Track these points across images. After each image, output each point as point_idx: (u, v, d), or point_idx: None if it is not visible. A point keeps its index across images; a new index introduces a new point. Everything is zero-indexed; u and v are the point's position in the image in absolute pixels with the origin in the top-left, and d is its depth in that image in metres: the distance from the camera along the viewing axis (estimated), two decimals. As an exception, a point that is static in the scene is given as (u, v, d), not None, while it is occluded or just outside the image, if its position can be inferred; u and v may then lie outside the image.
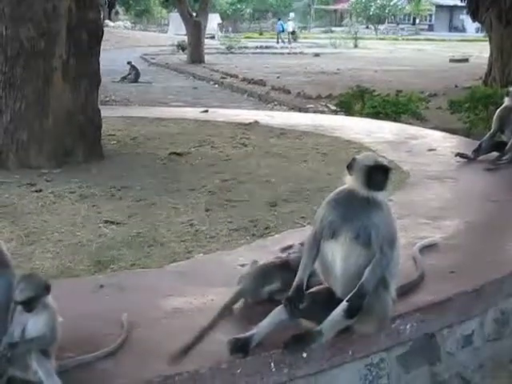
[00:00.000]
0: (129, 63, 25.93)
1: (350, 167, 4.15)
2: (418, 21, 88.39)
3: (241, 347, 3.93)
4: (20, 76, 9.02)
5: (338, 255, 4.08)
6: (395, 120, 13.98)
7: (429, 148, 9.80)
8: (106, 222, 6.74)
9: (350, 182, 4.16)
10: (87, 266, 5.64)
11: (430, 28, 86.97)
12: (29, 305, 3.54)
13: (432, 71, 27.07)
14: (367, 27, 76.33)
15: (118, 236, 6.34)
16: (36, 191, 7.88)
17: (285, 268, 4.56)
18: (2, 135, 9.05)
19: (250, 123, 11.95)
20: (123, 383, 3.66)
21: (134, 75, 25.40)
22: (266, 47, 46.05)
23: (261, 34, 71.22)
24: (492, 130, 8.88)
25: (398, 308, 4.39)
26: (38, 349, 3.56)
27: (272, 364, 4.00)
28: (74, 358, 3.82)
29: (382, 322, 4.25)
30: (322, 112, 16.80)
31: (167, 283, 5.00)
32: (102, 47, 9.82)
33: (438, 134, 11.23)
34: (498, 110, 8.90)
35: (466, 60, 33.26)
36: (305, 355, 4.08)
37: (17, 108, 9.02)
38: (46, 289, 3.61)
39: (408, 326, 4.51)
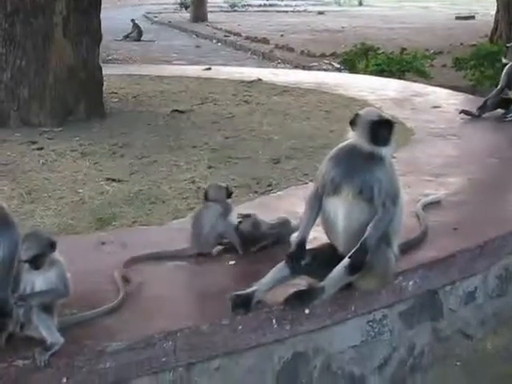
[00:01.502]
0: (132, 21, 25.70)
1: (353, 123, 4.10)
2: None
3: (242, 303, 3.92)
4: (20, 32, 8.93)
5: (341, 211, 4.05)
6: (400, 78, 13.87)
7: (433, 105, 9.72)
8: (108, 179, 6.71)
9: (352, 137, 4.11)
10: (89, 224, 5.62)
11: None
12: (35, 262, 3.53)
13: (437, 29, 26.79)
14: (372, -16, 75.40)
15: (119, 193, 6.32)
16: (37, 149, 7.84)
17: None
18: (2, 93, 8.99)
19: (253, 81, 11.85)
20: (124, 339, 3.65)
21: (136, 33, 25.18)
22: (270, 5, 45.60)
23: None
24: (499, 87, 8.80)
25: (401, 264, 4.37)
26: (52, 301, 3.56)
27: (274, 320, 3.99)
28: (76, 314, 3.82)
29: (385, 279, 4.23)
30: (326, 70, 16.66)
31: (169, 240, 4.98)
32: (104, 5, 9.71)
33: (442, 92, 11.13)
34: (508, 66, 8.78)
35: (472, 17, 32.88)
36: (307, 311, 4.07)
37: (17, 65, 8.95)
38: (52, 245, 3.59)
39: (411, 283, 4.50)
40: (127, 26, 25.72)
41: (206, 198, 4.89)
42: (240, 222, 4.76)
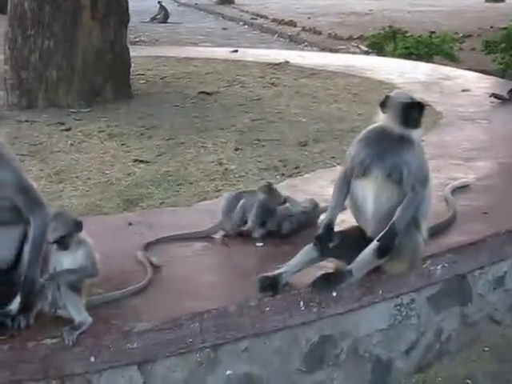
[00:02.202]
0: (159, 3, 25.66)
1: (383, 105, 4.06)
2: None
3: (270, 285, 3.91)
4: (48, 14, 8.93)
5: (369, 194, 4.02)
6: (428, 61, 13.72)
7: (462, 89, 9.62)
8: (135, 160, 6.72)
9: (382, 119, 4.07)
10: (116, 204, 5.64)
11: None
12: (62, 243, 3.54)
13: (467, 12, 26.49)
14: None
15: (146, 175, 6.32)
16: (65, 130, 7.87)
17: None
18: (31, 74, 9.01)
19: (280, 63, 11.80)
20: (151, 320, 3.65)
21: (163, 15, 25.15)
22: (298, -13, 45.30)
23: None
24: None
25: (430, 248, 4.34)
26: (80, 281, 3.58)
27: (301, 302, 3.98)
28: (103, 294, 3.83)
29: (413, 262, 4.20)
30: (354, 53, 16.54)
31: (196, 221, 4.97)
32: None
33: (471, 75, 11.01)
34: None
35: (503, 0, 32.49)
36: (334, 294, 4.05)
37: (45, 47, 8.97)
38: (77, 226, 3.60)
39: (439, 267, 4.46)
40: (154, 9, 25.68)
41: None
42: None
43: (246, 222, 4.71)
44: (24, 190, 3.63)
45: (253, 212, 4.67)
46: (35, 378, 3.49)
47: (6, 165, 3.60)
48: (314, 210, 4.84)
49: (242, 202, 4.71)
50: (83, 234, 3.65)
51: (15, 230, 3.64)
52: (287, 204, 4.80)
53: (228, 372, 3.89)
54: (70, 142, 7.42)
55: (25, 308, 3.54)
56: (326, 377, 4.19)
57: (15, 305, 3.54)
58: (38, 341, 3.46)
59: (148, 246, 4.46)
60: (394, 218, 3.94)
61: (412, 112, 3.98)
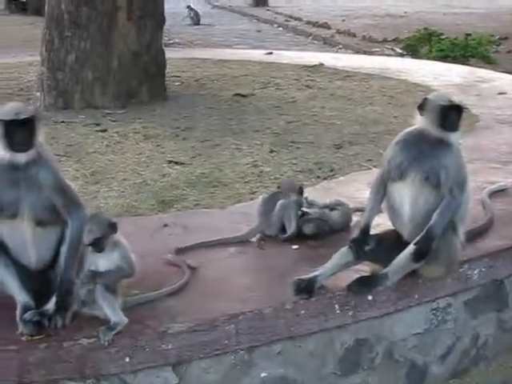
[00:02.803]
0: (188, 7, 25.71)
1: (421, 107, 4.03)
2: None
3: (305, 288, 3.90)
4: (85, 15, 8.99)
5: (406, 197, 3.99)
6: (463, 64, 13.61)
7: (499, 91, 9.51)
8: (170, 162, 6.74)
9: (420, 122, 4.04)
10: (151, 205, 5.66)
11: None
12: (98, 245, 3.56)
13: (503, 13, 26.25)
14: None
15: (181, 176, 6.34)
16: (101, 131, 7.91)
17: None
18: (67, 75, 9.07)
19: (315, 65, 11.76)
20: (187, 321, 3.66)
21: (193, 18, 25.16)
22: (332, -11, 45.21)
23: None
24: None
25: (467, 252, 4.30)
26: (116, 281, 3.60)
27: (336, 306, 3.96)
28: (139, 295, 3.84)
29: (450, 267, 4.16)
30: (388, 55, 16.45)
31: (231, 224, 4.97)
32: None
33: (508, 78, 10.87)
34: None
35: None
36: (370, 298, 4.02)
37: (82, 47, 9.02)
38: (113, 227, 3.61)
39: (476, 272, 4.41)
40: (185, 11, 25.73)
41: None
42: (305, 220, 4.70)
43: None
44: (63, 191, 3.65)
45: (290, 214, 4.66)
46: (71, 378, 3.51)
47: (46, 166, 3.63)
48: (344, 212, 4.81)
49: (280, 202, 4.69)
50: (119, 235, 3.66)
51: (53, 231, 3.67)
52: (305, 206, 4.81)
53: (262, 374, 3.88)
54: (105, 142, 7.45)
55: (61, 308, 3.56)
56: (360, 380, 4.16)
57: (52, 305, 3.56)
58: (74, 340, 3.48)
59: (183, 250, 4.46)
60: (432, 222, 3.90)
61: (451, 115, 3.95)
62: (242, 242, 4.65)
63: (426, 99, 4.04)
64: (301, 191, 4.86)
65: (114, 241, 3.62)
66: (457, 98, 4.11)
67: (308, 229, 4.64)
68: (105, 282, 3.54)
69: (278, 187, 4.91)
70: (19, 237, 3.62)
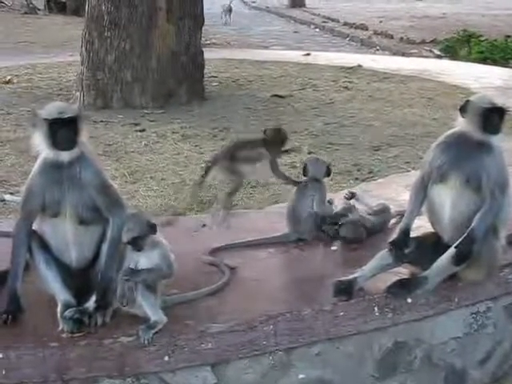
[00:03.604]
0: (225, 6, 25.76)
1: (463, 109, 3.99)
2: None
3: (344, 290, 3.88)
4: (125, 16, 9.07)
5: (447, 200, 3.96)
6: (504, 66, 13.49)
7: (540, 94, 9.40)
8: (209, 162, 6.73)
9: (462, 124, 4.01)
10: (190, 205, 5.67)
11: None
12: (136, 244, 3.57)
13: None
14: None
15: (219, 176, 6.33)
16: (139, 131, 7.97)
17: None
18: (106, 75, 9.16)
19: (353, 67, 11.75)
20: (226, 321, 3.66)
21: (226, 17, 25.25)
22: (369, -9, 45.01)
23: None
24: None
25: (508, 256, 4.25)
26: (155, 280, 3.60)
27: (376, 308, 3.94)
28: (178, 294, 3.85)
29: (491, 270, 4.12)
30: (426, 57, 16.35)
31: (269, 224, 4.97)
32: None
33: (550, 80, 10.77)
34: None
35: None
36: (409, 301, 3.99)
37: (121, 48, 9.11)
38: (152, 227, 3.61)
39: (517, 276, 4.36)
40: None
41: (305, 173, 4.76)
42: (340, 226, 4.67)
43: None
44: (105, 191, 3.68)
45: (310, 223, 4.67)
46: (110, 375, 3.53)
47: (89, 165, 3.66)
48: (386, 215, 4.79)
49: (306, 207, 4.68)
50: (159, 236, 3.67)
51: (95, 230, 3.69)
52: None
53: (300, 376, 3.87)
54: (144, 142, 7.51)
55: (101, 306, 3.58)
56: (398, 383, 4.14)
57: (92, 303, 3.59)
58: (114, 338, 3.50)
59: (218, 250, 4.46)
60: (473, 225, 3.87)
61: (493, 117, 3.92)
62: (280, 242, 4.64)
63: (467, 101, 4.01)
64: (329, 172, 4.79)
65: (154, 240, 3.63)
66: (498, 101, 4.07)
67: (344, 232, 4.61)
68: (144, 281, 3.56)
69: (304, 172, 4.75)
70: (61, 235, 3.65)
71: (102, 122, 8.34)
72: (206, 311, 3.78)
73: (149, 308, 3.56)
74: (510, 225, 4.22)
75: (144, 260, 3.60)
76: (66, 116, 3.57)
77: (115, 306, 3.64)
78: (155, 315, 3.55)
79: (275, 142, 4.71)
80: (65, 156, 3.59)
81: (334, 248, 4.55)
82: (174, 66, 9.25)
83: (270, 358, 3.79)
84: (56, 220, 3.63)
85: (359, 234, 4.64)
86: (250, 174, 5.00)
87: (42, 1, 27.17)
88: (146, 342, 3.49)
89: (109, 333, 3.53)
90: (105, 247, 3.66)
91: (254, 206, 5.61)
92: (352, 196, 4.89)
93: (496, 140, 3.95)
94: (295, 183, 4.83)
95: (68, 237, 3.64)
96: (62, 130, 3.56)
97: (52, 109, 3.62)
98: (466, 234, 3.87)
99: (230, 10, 25.58)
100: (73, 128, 3.59)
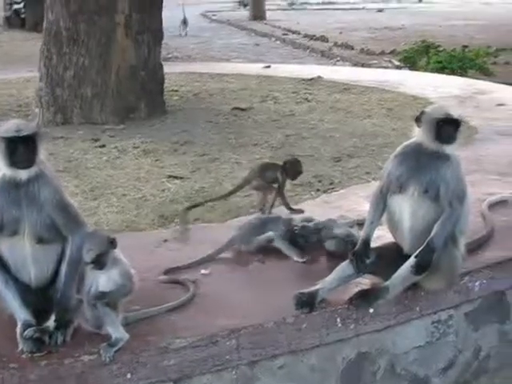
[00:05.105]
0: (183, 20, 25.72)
1: (418, 120, 4.04)
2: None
3: (306, 302, 3.90)
4: (83, 32, 9.03)
5: (406, 210, 4.00)
6: (461, 75, 13.66)
7: (497, 103, 9.53)
8: (170, 176, 6.75)
9: (418, 135, 4.05)
10: (151, 221, 5.67)
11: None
12: (98, 263, 3.56)
13: (501, 25, 26.33)
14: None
15: (181, 191, 6.35)
16: (100, 146, 7.93)
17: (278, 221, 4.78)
18: (66, 91, 9.10)
19: (313, 78, 11.80)
20: (188, 336, 3.65)
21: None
22: (329, 3, 45.36)
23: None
24: None
25: (467, 264, 4.30)
26: (118, 299, 3.59)
27: (338, 319, 3.96)
28: (140, 310, 3.83)
29: (451, 279, 4.17)
30: (386, 68, 16.51)
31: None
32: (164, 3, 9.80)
33: (507, 89, 10.90)
34: None
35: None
36: (371, 311, 4.02)
37: (80, 64, 9.06)
38: (111, 243, 3.61)
39: (477, 283, 4.41)
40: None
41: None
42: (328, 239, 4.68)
43: None
44: (64, 209, 3.65)
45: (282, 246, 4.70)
46: (72, 395, 3.50)
47: (47, 183, 3.63)
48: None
49: (268, 234, 4.72)
50: (118, 252, 3.65)
51: (53, 249, 3.66)
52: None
53: (264, 389, 3.87)
54: (104, 158, 7.47)
55: (61, 325, 3.56)
56: (362, 394, 4.15)
57: (52, 321, 3.56)
58: (75, 357, 3.47)
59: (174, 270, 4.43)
60: (432, 234, 3.91)
61: (446, 128, 3.95)
62: (235, 255, 4.68)
63: (422, 112, 4.06)
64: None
65: (114, 257, 3.62)
66: (455, 110, 4.12)
67: (332, 246, 4.61)
68: (106, 299, 3.53)
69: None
70: (19, 254, 3.61)
71: (61, 138, 8.28)
72: (168, 327, 3.77)
73: (110, 325, 3.54)
74: (469, 233, 4.28)
75: (105, 278, 3.58)
76: (23, 134, 3.54)
77: (76, 324, 3.61)
78: (116, 332, 3.53)
79: (292, 171, 5.44)
80: (23, 174, 3.57)
81: (297, 260, 4.55)
82: (133, 81, 9.22)
83: (234, 372, 3.79)
84: (14, 239, 3.60)
85: (347, 250, 4.62)
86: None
87: (0, 17, 26.99)
88: (107, 359, 3.47)
89: (70, 352, 3.50)
90: (64, 266, 3.63)
91: (216, 219, 5.59)
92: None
93: (451, 149, 3.99)
94: (290, 210, 5.38)
95: (26, 256, 3.61)
96: (20, 148, 3.53)
97: (9, 127, 3.59)
98: (425, 244, 3.91)
99: (185, 22, 25.57)
100: (31, 146, 3.57)
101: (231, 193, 5.65)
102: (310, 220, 4.81)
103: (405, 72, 14.39)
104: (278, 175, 5.40)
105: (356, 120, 8.97)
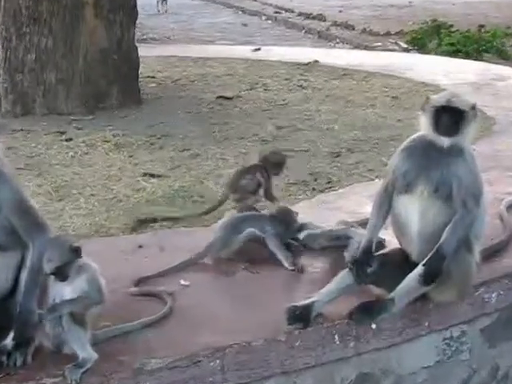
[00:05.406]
0: None
1: (423, 109, 4.06)
2: None
3: (300, 316, 3.90)
4: (46, 10, 9.00)
5: (414, 212, 4.01)
6: (477, 59, 13.71)
7: (517, 90, 9.59)
8: (145, 174, 6.76)
9: (423, 126, 4.06)
10: (124, 225, 5.66)
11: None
12: (60, 274, 3.56)
13: (520, 2, 26.45)
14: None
15: (158, 190, 6.35)
16: (65, 140, 7.93)
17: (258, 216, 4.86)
18: (26, 77, 9.08)
19: (309, 63, 11.82)
20: (166, 356, 3.65)
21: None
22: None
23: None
24: None
25: (483, 274, 4.32)
26: (84, 310, 3.59)
27: (336, 336, 3.97)
28: (111, 327, 3.83)
29: (464, 290, 4.19)
30: (392, 51, 16.54)
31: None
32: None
33: (528, 75, 10.97)
34: None
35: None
36: (374, 327, 4.03)
37: (43, 46, 9.04)
38: (75, 252, 3.61)
39: (494, 295, 4.44)
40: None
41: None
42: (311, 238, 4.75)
43: None
44: (23, 212, 3.65)
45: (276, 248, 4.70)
46: (34, 423, 3.49)
47: (4, 182, 3.62)
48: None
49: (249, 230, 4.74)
50: (84, 259, 3.65)
51: (13, 256, 3.66)
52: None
53: (253, 415, 3.88)
54: (71, 153, 7.47)
55: (21, 343, 3.54)
56: (364, 420, 4.17)
57: (11, 339, 3.55)
58: (36, 380, 3.46)
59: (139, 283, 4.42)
60: (443, 239, 3.92)
61: (445, 117, 3.94)
62: (224, 262, 4.69)
63: (427, 99, 4.07)
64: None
65: (80, 265, 3.62)
66: (470, 98, 4.13)
67: (317, 244, 4.65)
68: (70, 313, 3.53)
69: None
70: (-26, 263, 3.61)
71: (22, 130, 8.28)
72: (142, 345, 3.76)
73: (76, 344, 3.53)
74: (485, 238, 4.29)
75: (69, 289, 3.58)
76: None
77: (38, 343, 3.61)
78: (84, 352, 3.53)
79: (273, 165, 5.31)
80: (-24, 174, 3.56)
81: (289, 268, 4.56)
82: (104, 66, 9.20)
83: (218, 396, 3.79)
84: (-31, 246, 3.59)
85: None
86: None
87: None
88: (73, 382, 3.46)
89: (31, 374, 3.49)
90: (24, 276, 3.63)
91: (197, 223, 5.60)
92: (301, 227, 4.91)
93: (447, 142, 3.96)
94: None
95: (-19, 265, 3.61)
96: (-28, 143, 3.53)
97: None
98: (435, 250, 3.92)
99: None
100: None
101: (207, 212, 5.59)
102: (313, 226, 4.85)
103: (413, 55, 14.44)
104: (259, 177, 5.31)
105: (357, 110, 9.00)
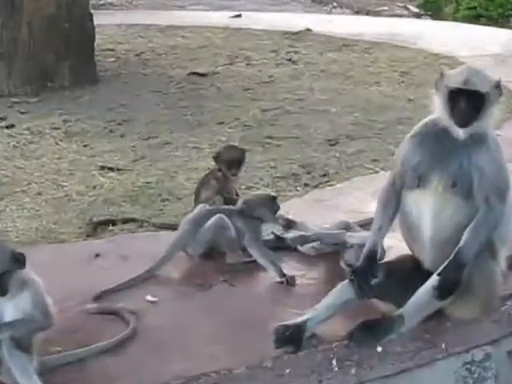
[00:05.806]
0: None
1: (437, 87, 4.06)
2: None
3: (291, 338, 3.90)
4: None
5: (427, 211, 4.02)
6: (502, 26, 13.76)
7: (550, 63, 9.64)
8: (103, 168, 6.78)
9: (437, 108, 4.07)
10: (78, 229, 5.67)
11: None
12: (-1, 287, 3.55)
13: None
14: None
15: (119, 187, 6.36)
16: (6, 127, 7.94)
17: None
18: (-42, 51, 9.09)
19: (300, 32, 11.85)
20: (128, 387, 3.67)
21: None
22: None
23: None
24: None
25: (511, 284, 4.34)
26: (28, 335, 3.59)
27: (334, 361, 3.97)
28: (63, 353, 3.84)
29: (488, 304, 4.19)
30: (400, 16, 16.59)
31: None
32: None
33: (562, 45, 11.02)
34: None
35: None
36: (380, 350, 4.04)
37: (-22, 14, 9.05)
38: (18, 261, 3.60)
39: (524, 310, 4.46)
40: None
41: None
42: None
43: None
44: None
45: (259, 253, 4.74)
46: None
47: None
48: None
49: (216, 222, 4.79)
50: (28, 272, 3.65)
51: None
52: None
53: None
54: (13, 143, 7.48)
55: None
56: None
57: None
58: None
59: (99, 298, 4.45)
60: (462, 244, 3.93)
61: (461, 102, 3.91)
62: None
63: (441, 75, 4.06)
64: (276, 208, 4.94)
65: (23, 279, 3.62)
66: (493, 73, 4.13)
67: (349, 258, 4.65)
68: (12, 336, 3.53)
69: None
70: None
71: (-48, 115, 8.29)
72: (100, 374, 3.77)
73: (19, 373, 3.53)
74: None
75: (10, 307, 3.58)
76: None
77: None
78: (29, 382, 3.52)
79: (226, 164, 5.29)
80: None
81: (277, 280, 4.58)
82: (52, 37, 9.20)
83: None
84: None
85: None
86: None
87: None
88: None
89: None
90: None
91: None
92: (289, 225, 4.93)
93: (463, 132, 3.96)
94: None
95: None
96: None
97: None
98: (452, 256, 3.92)
99: None
100: None
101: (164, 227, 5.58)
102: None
103: (426, 22, 14.48)
104: (213, 183, 5.28)
105: (358, 88, 9.04)
